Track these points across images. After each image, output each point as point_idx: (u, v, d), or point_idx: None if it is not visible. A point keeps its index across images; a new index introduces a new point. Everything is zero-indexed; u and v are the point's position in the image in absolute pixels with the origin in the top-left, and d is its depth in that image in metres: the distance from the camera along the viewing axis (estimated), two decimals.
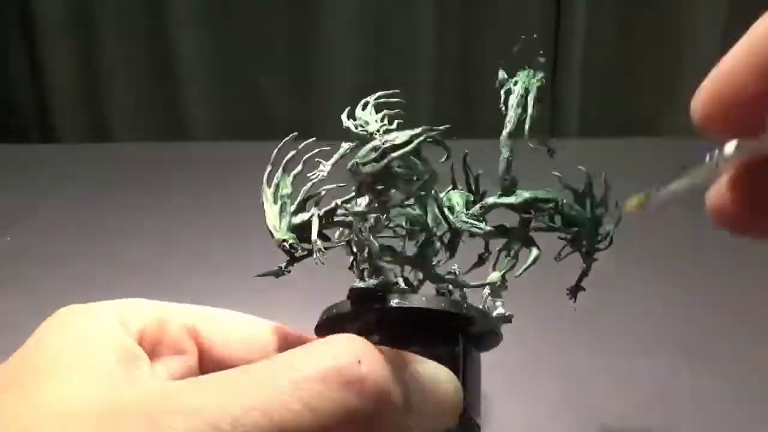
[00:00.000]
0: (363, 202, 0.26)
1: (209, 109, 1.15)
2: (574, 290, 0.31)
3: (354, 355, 0.23)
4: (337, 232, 0.28)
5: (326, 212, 0.27)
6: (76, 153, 0.90)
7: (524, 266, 0.29)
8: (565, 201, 0.29)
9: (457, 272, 0.30)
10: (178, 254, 0.62)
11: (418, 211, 0.28)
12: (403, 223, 0.28)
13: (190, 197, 0.72)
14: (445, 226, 0.29)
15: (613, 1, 1.11)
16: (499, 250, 0.30)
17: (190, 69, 1.13)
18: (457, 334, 0.28)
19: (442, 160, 0.27)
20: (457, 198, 0.30)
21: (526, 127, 0.29)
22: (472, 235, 0.29)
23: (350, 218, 0.26)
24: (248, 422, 0.22)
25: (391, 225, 0.28)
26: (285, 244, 0.27)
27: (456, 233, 0.29)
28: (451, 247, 0.29)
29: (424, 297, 0.27)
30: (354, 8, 1.09)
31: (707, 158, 0.21)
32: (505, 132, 0.29)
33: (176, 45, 1.12)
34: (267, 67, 1.13)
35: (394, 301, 0.26)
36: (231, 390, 0.23)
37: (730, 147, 0.20)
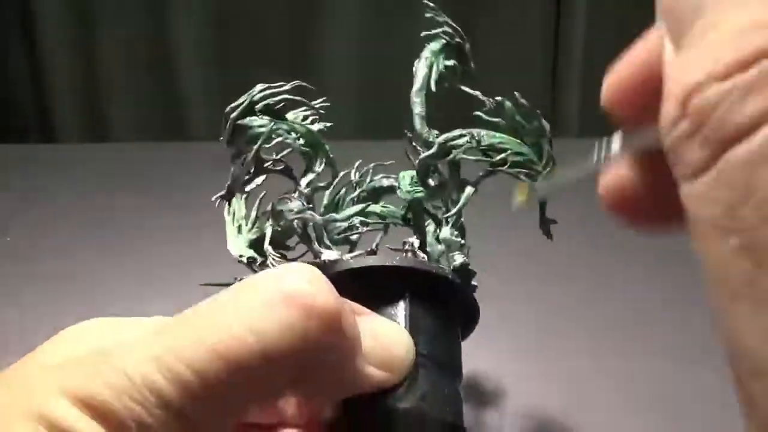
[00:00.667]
0: (295, 205, 0.28)
1: (209, 109, 1.15)
2: (545, 225, 0.31)
3: (303, 278, 0.22)
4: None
5: (267, 213, 0.29)
6: (76, 153, 0.90)
7: (458, 205, 0.29)
8: (483, 132, 0.29)
9: (414, 244, 0.30)
10: (179, 254, 0.62)
11: (382, 206, 0.29)
12: (372, 220, 0.31)
13: (190, 197, 0.72)
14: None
15: (613, 1, 1.11)
16: (442, 205, 0.30)
17: (190, 69, 1.13)
18: (401, 289, 0.28)
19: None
20: (404, 175, 0.31)
21: (432, 81, 0.29)
22: (425, 207, 0.30)
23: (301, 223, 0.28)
24: (198, 360, 0.21)
25: (351, 223, 0.29)
26: (242, 259, 0.30)
27: (410, 206, 0.30)
28: (412, 222, 0.30)
29: (366, 257, 0.28)
30: (354, 8, 1.09)
31: (594, 151, 0.21)
32: (414, 88, 0.30)
33: (176, 45, 1.12)
34: (267, 67, 1.13)
35: (333, 266, 0.27)
36: (183, 332, 0.22)
37: (617, 138, 0.20)
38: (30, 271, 0.60)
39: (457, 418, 0.27)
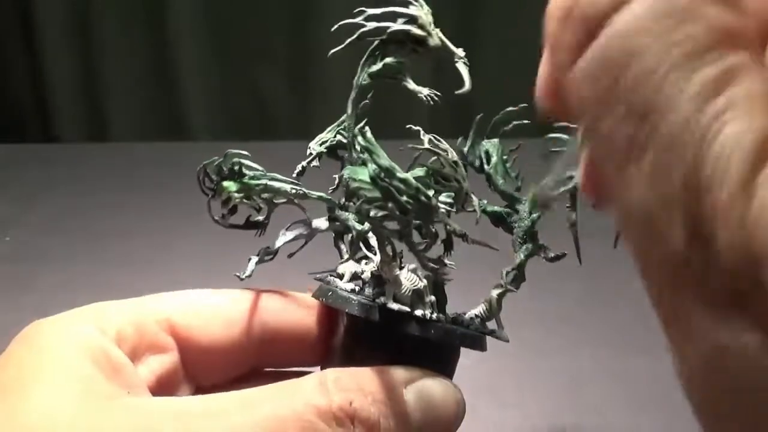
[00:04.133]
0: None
1: (209, 109, 1.15)
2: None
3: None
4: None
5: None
6: (76, 153, 0.90)
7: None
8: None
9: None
10: (178, 254, 0.62)
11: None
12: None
13: (190, 197, 0.72)
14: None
15: None
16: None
17: (190, 69, 1.13)
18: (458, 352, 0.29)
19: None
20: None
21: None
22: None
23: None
24: None
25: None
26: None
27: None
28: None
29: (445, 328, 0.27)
30: (354, 8, 1.09)
31: (569, 144, 0.21)
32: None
33: (176, 45, 1.12)
34: (267, 67, 1.13)
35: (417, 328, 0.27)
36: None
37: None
38: (30, 271, 0.60)
39: None
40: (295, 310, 0.29)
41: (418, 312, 0.27)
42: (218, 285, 0.30)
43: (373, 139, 0.25)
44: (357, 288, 0.28)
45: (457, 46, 0.25)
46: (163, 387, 0.27)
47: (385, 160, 0.24)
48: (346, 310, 0.27)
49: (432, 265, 0.27)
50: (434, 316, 0.27)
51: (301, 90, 1.13)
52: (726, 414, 0.14)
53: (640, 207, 0.14)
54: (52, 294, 0.56)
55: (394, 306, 0.26)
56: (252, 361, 0.29)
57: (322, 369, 0.28)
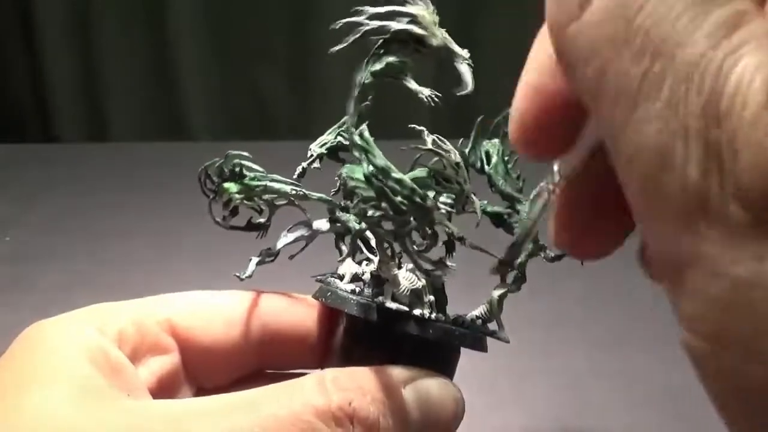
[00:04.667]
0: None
1: (209, 109, 1.15)
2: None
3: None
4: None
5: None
6: (76, 153, 0.90)
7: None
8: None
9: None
10: (179, 254, 0.62)
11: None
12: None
13: (190, 197, 0.72)
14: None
15: None
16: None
17: (190, 69, 1.13)
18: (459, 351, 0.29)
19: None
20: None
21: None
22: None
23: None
24: None
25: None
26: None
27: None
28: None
29: (443, 328, 0.27)
30: (354, 8, 1.09)
31: (542, 188, 0.21)
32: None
33: (176, 45, 1.12)
34: (267, 67, 1.13)
35: (417, 329, 0.27)
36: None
37: (556, 168, 0.20)
38: (30, 271, 0.60)
39: None
40: (295, 311, 0.29)
41: (417, 311, 0.27)
42: (219, 285, 0.30)
43: (370, 139, 0.24)
44: (357, 289, 0.28)
45: (462, 43, 0.25)
46: (163, 388, 0.27)
47: (380, 160, 0.24)
48: (345, 310, 0.27)
49: (426, 266, 0.27)
50: (433, 315, 0.27)
51: (301, 90, 1.13)
52: (746, 378, 0.14)
53: (652, 143, 0.14)
54: (52, 294, 0.56)
55: (392, 305, 0.26)
56: (253, 363, 0.29)
57: (322, 369, 0.28)
